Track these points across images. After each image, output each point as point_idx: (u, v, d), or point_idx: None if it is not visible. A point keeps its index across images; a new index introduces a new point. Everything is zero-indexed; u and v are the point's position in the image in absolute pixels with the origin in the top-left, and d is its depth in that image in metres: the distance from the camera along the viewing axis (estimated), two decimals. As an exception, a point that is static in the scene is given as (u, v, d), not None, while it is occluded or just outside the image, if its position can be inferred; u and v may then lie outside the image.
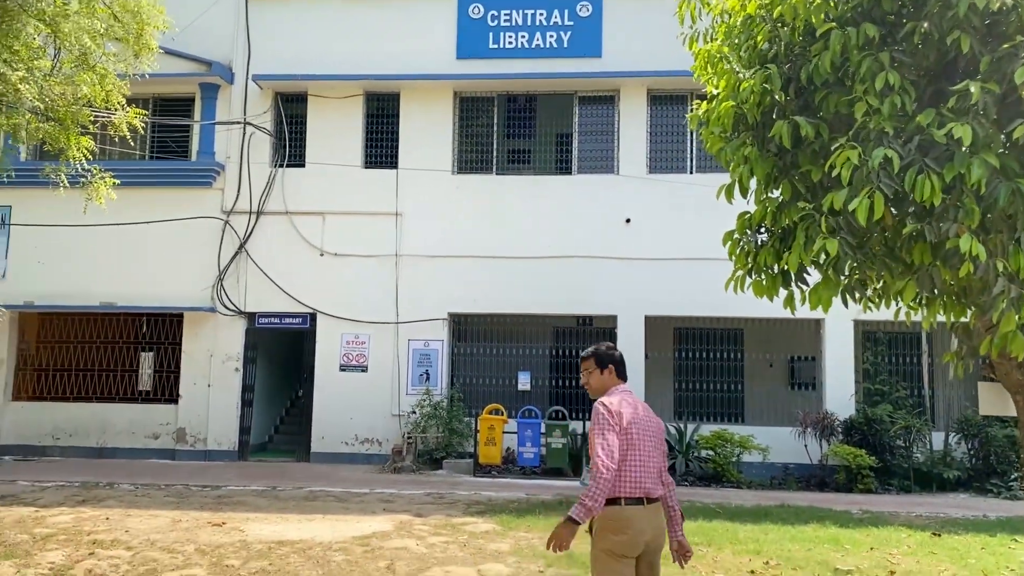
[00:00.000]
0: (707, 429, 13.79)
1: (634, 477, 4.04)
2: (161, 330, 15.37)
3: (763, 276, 5.48)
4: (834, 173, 4.54)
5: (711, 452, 13.17)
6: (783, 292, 5.53)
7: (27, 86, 8.56)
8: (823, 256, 4.81)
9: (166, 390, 15.21)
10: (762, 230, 5.64)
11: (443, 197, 14.91)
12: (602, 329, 15.06)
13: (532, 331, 15.10)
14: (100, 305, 14.78)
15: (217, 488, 11.29)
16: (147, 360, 15.41)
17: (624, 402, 4.16)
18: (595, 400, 4.30)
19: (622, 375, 4.38)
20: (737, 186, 5.43)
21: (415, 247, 14.80)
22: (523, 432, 13.00)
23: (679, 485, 12.47)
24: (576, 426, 13.57)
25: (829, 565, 7.54)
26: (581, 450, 13.25)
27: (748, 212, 5.72)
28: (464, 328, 15.15)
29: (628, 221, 14.58)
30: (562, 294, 14.46)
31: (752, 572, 7.26)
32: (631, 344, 14.22)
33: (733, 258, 5.75)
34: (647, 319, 14.42)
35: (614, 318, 14.57)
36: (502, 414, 13.23)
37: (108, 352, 15.55)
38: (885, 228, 4.91)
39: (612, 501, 4.02)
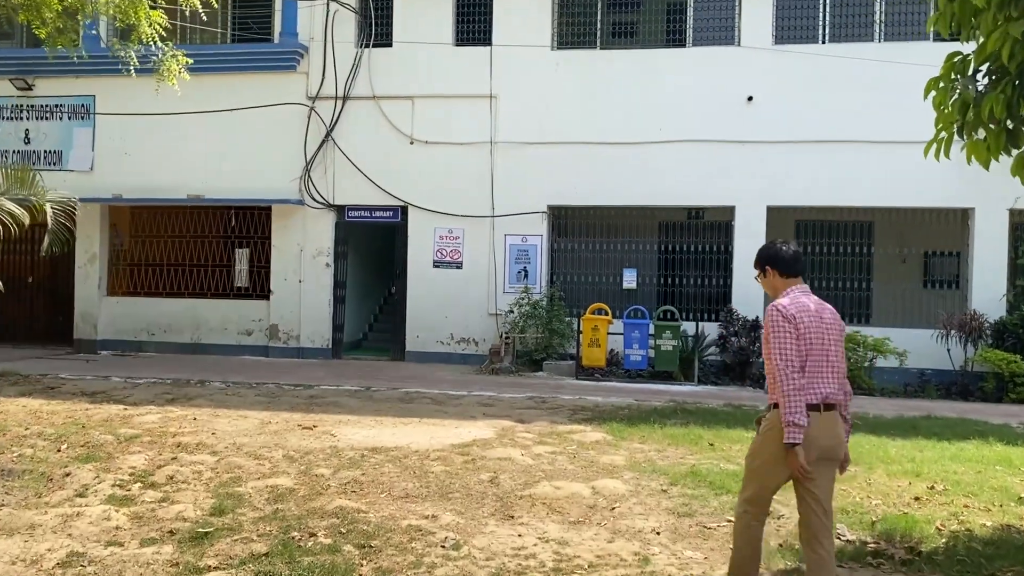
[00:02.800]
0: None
1: (810, 382, 3.73)
2: (250, 224, 14.83)
3: (984, 134, 4.15)
4: None
5: (840, 357, 11.89)
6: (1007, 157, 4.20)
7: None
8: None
9: (258, 286, 14.78)
10: (981, 74, 4.27)
11: (541, 77, 13.60)
12: (716, 223, 13.72)
13: (638, 225, 13.88)
14: (187, 198, 14.29)
15: (309, 387, 10.77)
16: (242, 256, 14.93)
17: (797, 303, 3.84)
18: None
19: (792, 271, 3.99)
20: (956, 7, 4.04)
21: (511, 133, 13.63)
22: (630, 333, 11.99)
23: None
24: (688, 327, 12.46)
25: (1010, 492, 6.36)
26: (693, 352, 12.18)
27: (960, 53, 4.34)
28: (564, 222, 14.05)
29: (750, 100, 12.98)
30: (673, 184, 13.13)
31: (917, 499, 6.15)
32: (751, 239, 12.83)
33: (938, 112, 4.40)
34: (769, 210, 12.98)
35: (731, 210, 13.19)
36: (607, 314, 12.22)
37: (199, 247, 15.16)
38: None
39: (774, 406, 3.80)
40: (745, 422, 8.64)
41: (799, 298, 3.88)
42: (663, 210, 13.84)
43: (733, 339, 12.12)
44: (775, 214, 13.10)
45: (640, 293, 13.55)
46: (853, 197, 12.77)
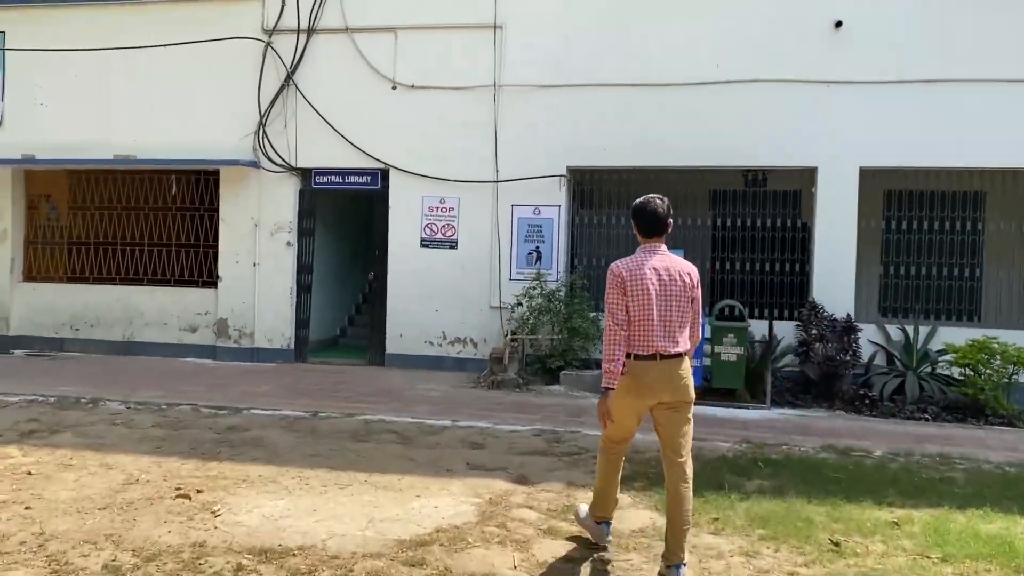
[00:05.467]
0: (949, 335, 9.31)
1: (643, 336, 4.02)
2: (195, 192, 11.85)
3: None
4: None
5: (966, 369, 8.73)
6: None
7: None
8: None
9: (203, 270, 11.82)
10: None
11: (560, 0, 10.46)
12: (783, 192, 10.54)
13: (685, 194, 10.73)
14: (115, 159, 11.32)
15: (235, 411, 7.80)
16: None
17: (633, 262, 4.12)
18: None
19: (645, 231, 4.21)
20: None
21: (521, 74, 10.50)
22: (678, 336, 8.87)
23: (909, 417, 8.55)
24: (759, 327, 9.34)
25: None
26: (764, 363, 9.06)
27: None
28: (589, 189, 10.91)
29: (839, 25, 9.75)
30: (733, 138, 9.96)
31: None
32: (838, 211, 9.72)
33: None
34: (862, 173, 9.78)
35: (810, 173, 10.00)
36: (646, 309, 9.12)
37: (132, 221, 12.21)
38: None
39: (626, 356, 4.05)
40: (872, 486, 5.59)
41: (639, 258, 4.13)
42: (717, 174, 10.67)
43: (817, 345, 8.98)
44: (866, 178, 9.88)
45: (688, 282, 10.43)
46: (976, 156, 9.53)
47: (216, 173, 11.48)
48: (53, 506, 4.92)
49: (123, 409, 7.89)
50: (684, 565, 4.00)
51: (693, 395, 4.15)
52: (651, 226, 4.16)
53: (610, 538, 4.50)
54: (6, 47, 11.77)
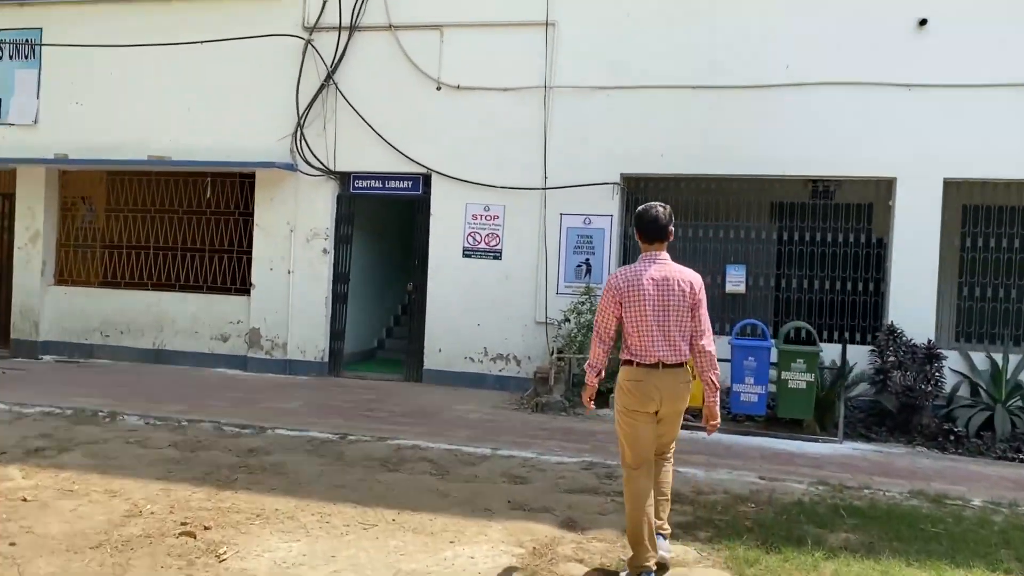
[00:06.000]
0: (1043, 365, 8.40)
1: (643, 345, 4.05)
2: (230, 195, 11.39)
3: None
4: None
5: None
6: None
7: None
8: None
9: (236, 277, 11.34)
10: None
11: (617, -4, 9.81)
12: (852, 204, 9.68)
13: (748, 204, 9.96)
14: (149, 159, 10.90)
15: (259, 431, 7.24)
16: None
17: (631, 272, 4.14)
18: None
19: (646, 238, 4.22)
20: None
21: (574, 74, 9.85)
22: (741, 360, 8.10)
23: (1000, 456, 7.71)
24: (831, 352, 8.52)
25: None
26: (835, 391, 8.24)
27: None
28: (644, 197, 10.13)
29: (923, 24, 8.93)
30: (804, 145, 9.18)
31: None
32: (917, 224, 8.90)
33: None
34: (946, 185, 8.92)
35: (888, 183, 9.17)
36: (706, 330, 8.36)
37: (165, 224, 11.78)
38: None
39: (627, 363, 4.11)
40: (980, 547, 4.80)
41: (638, 267, 4.16)
42: (780, 184, 9.86)
43: (895, 373, 8.13)
44: (948, 192, 9.02)
45: (750, 301, 9.65)
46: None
47: (252, 176, 11.01)
48: (41, 542, 4.37)
49: (141, 425, 7.37)
50: (666, 539, 4.30)
51: (687, 402, 4.21)
52: (651, 233, 4.19)
53: None
54: (43, 43, 11.45)
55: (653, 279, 4.08)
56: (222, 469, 5.97)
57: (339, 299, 10.86)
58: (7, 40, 11.64)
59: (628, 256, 10.11)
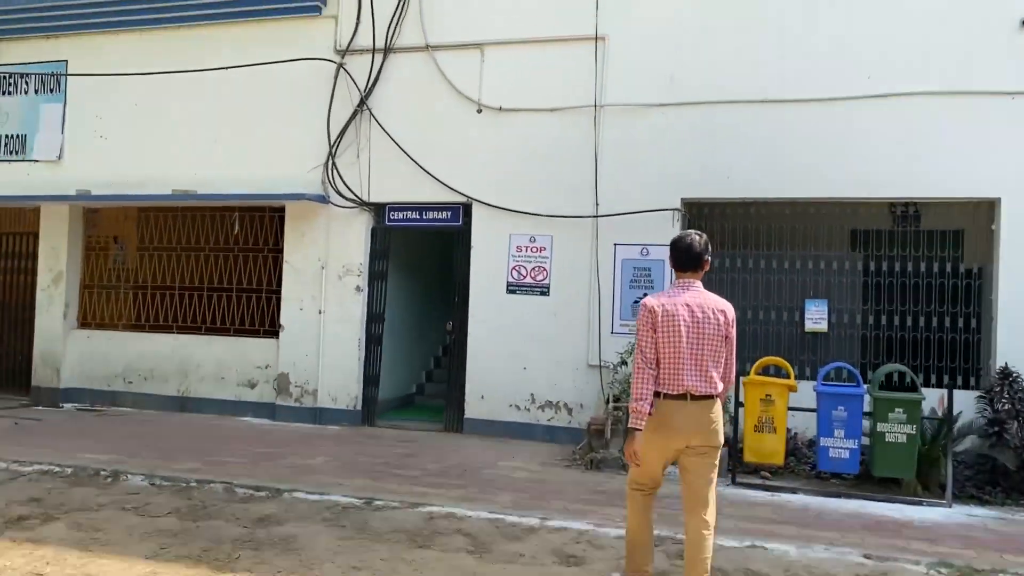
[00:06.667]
0: None
1: (673, 374, 3.96)
2: (259, 231, 10.69)
3: None
4: None
5: None
6: None
7: None
8: None
9: (265, 318, 10.58)
10: None
11: (672, 5, 8.90)
12: (941, 231, 8.52)
13: (826, 231, 8.88)
14: (172, 194, 10.25)
15: (274, 495, 6.34)
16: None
17: (665, 297, 4.07)
18: None
19: (679, 266, 4.17)
20: None
21: (626, 92, 8.95)
22: (828, 410, 6.98)
23: None
24: (931, 398, 7.35)
25: None
26: (940, 445, 7.06)
27: None
28: (708, 225, 9.13)
29: (1026, 22, 7.88)
30: (883, 163, 8.12)
31: None
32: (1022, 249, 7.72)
33: None
34: (1056, 206, 7.77)
35: (989, 205, 8.04)
36: (786, 375, 7.28)
37: (190, 262, 11.11)
38: None
39: (655, 395, 3.99)
40: None
41: (672, 293, 4.09)
42: (861, 208, 8.76)
43: (1013, 424, 6.93)
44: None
45: (833, 340, 8.52)
46: None
47: (281, 209, 10.30)
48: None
49: (144, 486, 6.54)
50: None
51: (722, 440, 4.06)
52: (685, 262, 4.14)
53: None
54: (69, 75, 10.97)
55: (688, 305, 4.01)
56: (224, 545, 5.08)
57: (373, 341, 10.01)
58: (33, 75, 11.19)
59: (690, 291, 9.07)
